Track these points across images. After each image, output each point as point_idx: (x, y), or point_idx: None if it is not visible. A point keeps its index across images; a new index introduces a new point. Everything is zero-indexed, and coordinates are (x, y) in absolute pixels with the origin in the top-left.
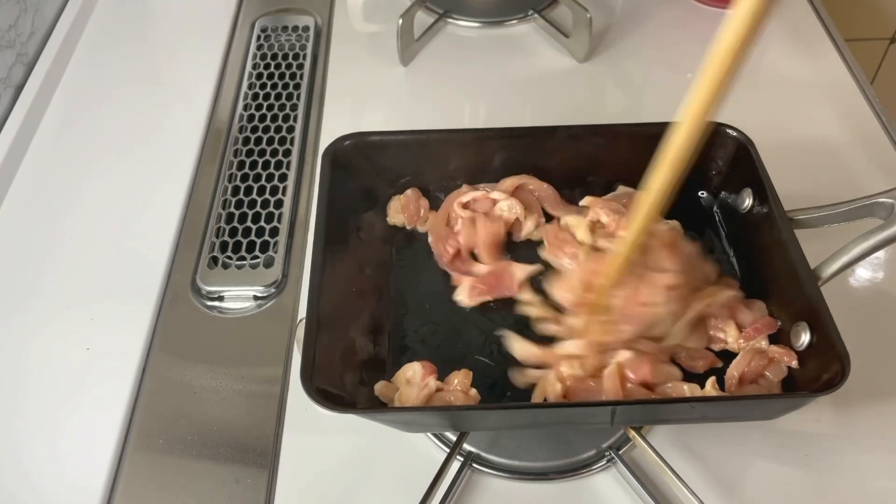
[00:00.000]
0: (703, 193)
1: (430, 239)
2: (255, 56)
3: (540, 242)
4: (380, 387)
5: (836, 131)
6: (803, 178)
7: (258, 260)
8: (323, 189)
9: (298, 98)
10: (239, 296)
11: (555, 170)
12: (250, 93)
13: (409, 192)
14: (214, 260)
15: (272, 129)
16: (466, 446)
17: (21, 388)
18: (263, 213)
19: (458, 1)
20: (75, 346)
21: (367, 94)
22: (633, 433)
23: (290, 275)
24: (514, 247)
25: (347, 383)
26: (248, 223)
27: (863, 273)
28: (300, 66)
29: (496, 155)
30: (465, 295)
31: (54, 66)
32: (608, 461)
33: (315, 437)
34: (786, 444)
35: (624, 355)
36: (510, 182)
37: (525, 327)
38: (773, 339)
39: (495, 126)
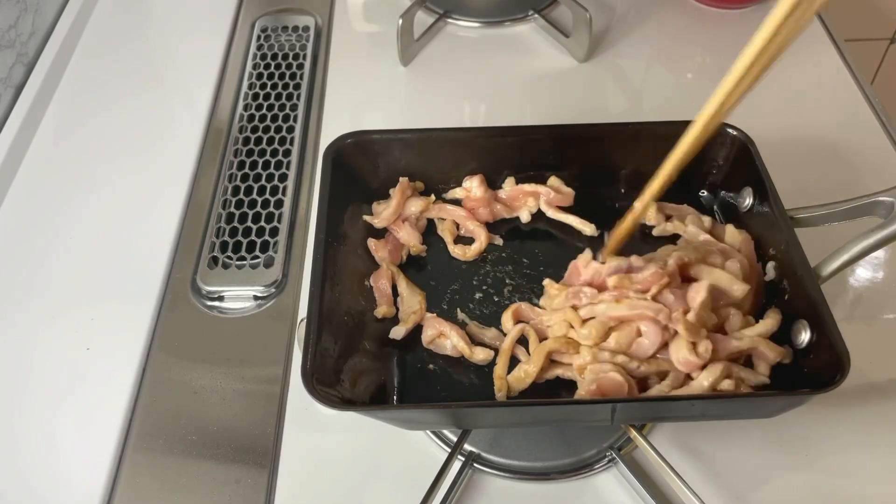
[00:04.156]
0: (703, 193)
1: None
2: (255, 56)
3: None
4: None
5: (836, 131)
6: (803, 178)
7: (258, 260)
8: (324, 187)
9: (298, 98)
10: (239, 296)
11: (555, 169)
12: (250, 93)
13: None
14: (214, 260)
15: (272, 129)
16: (467, 446)
17: (21, 388)
18: (263, 213)
19: (458, 1)
20: (75, 346)
21: (367, 94)
22: (633, 433)
23: (290, 275)
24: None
25: (348, 382)
26: (248, 223)
27: (863, 272)
28: (300, 66)
29: (498, 153)
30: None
31: (54, 66)
32: (609, 461)
33: (315, 436)
34: (785, 444)
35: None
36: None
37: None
38: (775, 339)
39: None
